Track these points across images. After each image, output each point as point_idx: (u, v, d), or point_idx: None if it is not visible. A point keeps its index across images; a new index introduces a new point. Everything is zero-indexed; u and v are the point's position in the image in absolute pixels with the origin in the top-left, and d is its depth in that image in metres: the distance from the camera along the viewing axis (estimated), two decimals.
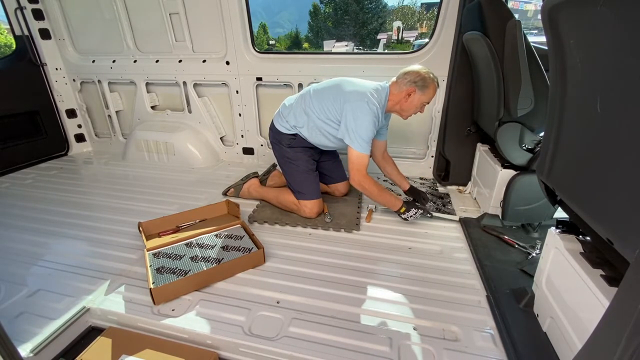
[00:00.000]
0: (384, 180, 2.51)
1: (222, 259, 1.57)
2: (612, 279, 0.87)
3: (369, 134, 1.76)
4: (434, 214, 1.98)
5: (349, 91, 1.80)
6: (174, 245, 1.67)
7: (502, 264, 1.56)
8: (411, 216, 1.92)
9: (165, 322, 1.25)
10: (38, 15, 2.87)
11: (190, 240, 1.71)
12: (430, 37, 2.36)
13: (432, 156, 2.60)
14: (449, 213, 2.05)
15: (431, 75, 1.78)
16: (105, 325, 1.30)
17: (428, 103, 1.86)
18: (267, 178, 2.37)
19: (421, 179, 2.60)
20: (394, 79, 1.85)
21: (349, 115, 1.75)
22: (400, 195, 2.19)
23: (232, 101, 2.85)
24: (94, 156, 3.24)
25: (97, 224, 1.95)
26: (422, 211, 1.93)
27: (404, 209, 1.91)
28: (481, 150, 2.16)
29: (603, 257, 0.96)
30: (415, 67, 1.81)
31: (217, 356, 1.17)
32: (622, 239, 0.72)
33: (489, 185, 1.96)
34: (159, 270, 1.48)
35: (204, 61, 2.77)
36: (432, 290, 1.42)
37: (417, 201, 2.05)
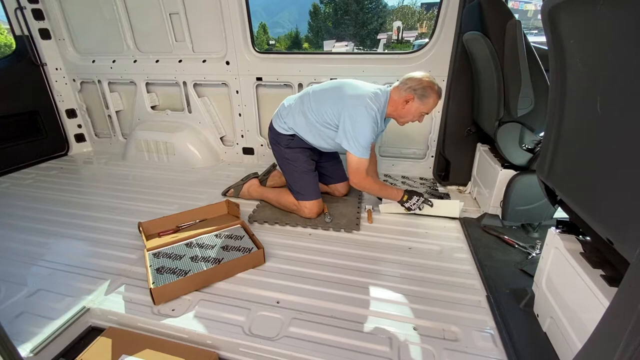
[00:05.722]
0: (384, 180, 2.51)
1: (222, 259, 1.57)
2: (612, 279, 0.87)
3: (368, 140, 1.74)
4: (434, 201, 1.99)
5: (347, 95, 1.77)
6: (174, 245, 1.67)
7: (502, 264, 1.56)
8: (414, 204, 1.94)
9: (165, 322, 1.25)
10: (38, 15, 2.87)
11: (190, 240, 1.71)
12: (430, 37, 2.36)
13: (432, 156, 2.60)
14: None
15: (435, 86, 1.72)
16: (105, 325, 1.30)
17: (427, 113, 1.82)
18: (267, 178, 2.37)
19: (421, 179, 2.60)
20: (396, 83, 1.81)
21: (347, 121, 1.73)
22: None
23: (232, 101, 2.85)
24: (94, 156, 3.24)
25: (97, 224, 1.95)
26: (423, 198, 1.95)
27: (406, 197, 1.94)
28: (481, 150, 2.16)
29: (603, 257, 0.96)
30: (419, 73, 1.75)
31: (217, 356, 1.17)
32: (622, 239, 0.72)
33: (489, 185, 1.96)
34: (159, 270, 1.48)
35: (204, 61, 2.77)
36: (432, 290, 1.42)
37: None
